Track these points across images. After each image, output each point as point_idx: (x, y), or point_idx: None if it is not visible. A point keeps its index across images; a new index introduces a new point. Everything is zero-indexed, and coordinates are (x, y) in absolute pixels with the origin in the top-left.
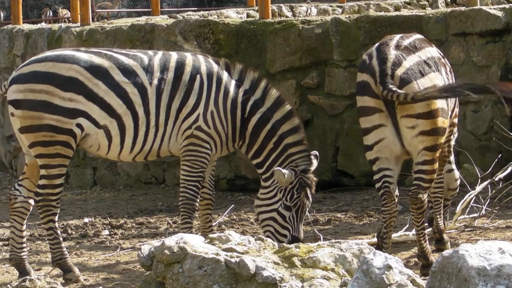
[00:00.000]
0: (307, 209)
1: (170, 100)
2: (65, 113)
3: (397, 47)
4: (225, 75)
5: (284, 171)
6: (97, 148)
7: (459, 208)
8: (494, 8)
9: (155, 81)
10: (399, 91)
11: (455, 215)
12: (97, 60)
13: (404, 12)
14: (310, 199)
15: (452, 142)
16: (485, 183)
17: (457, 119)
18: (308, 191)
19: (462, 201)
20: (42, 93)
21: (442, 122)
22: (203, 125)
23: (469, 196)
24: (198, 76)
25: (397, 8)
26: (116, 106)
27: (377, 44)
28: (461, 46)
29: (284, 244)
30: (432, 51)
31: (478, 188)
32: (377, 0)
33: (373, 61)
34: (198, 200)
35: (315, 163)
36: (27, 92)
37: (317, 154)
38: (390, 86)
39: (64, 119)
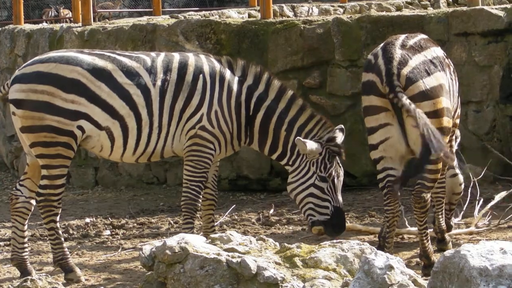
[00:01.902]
0: (342, 178)
1: (173, 100)
2: (67, 114)
3: (403, 46)
4: (227, 73)
5: (303, 140)
6: (99, 149)
7: (478, 213)
8: (496, 8)
9: (159, 82)
10: (404, 100)
11: (475, 219)
12: (100, 62)
13: (406, 12)
14: (341, 168)
15: (454, 143)
16: (504, 193)
17: (459, 120)
18: (338, 159)
19: (478, 206)
20: (44, 94)
21: (447, 122)
22: (207, 124)
23: (477, 200)
24: (201, 76)
25: (398, 8)
26: (119, 107)
27: (382, 44)
28: (463, 46)
29: (285, 244)
30: (437, 51)
31: (497, 197)
32: (378, 0)
33: (379, 60)
34: (200, 201)
35: (340, 136)
36: (29, 92)
37: (343, 127)
38: (397, 89)
39: (65, 120)
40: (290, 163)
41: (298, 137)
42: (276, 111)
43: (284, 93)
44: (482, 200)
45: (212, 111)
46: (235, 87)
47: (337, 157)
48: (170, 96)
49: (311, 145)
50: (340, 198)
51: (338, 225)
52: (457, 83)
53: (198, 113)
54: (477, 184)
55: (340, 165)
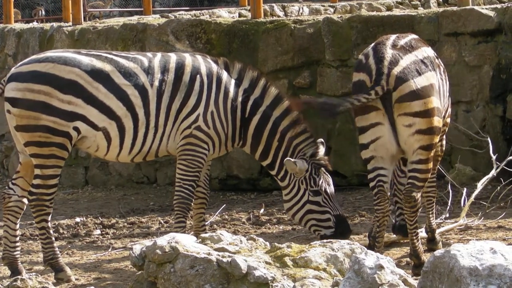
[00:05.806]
0: (332, 184)
1: (170, 101)
2: (63, 115)
3: (394, 46)
4: (224, 75)
5: (293, 159)
6: (95, 149)
7: (465, 205)
8: (486, 8)
9: (156, 83)
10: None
11: (462, 211)
12: (98, 63)
13: (396, 12)
14: (329, 177)
15: (444, 142)
16: (485, 178)
17: (450, 119)
18: (324, 170)
19: (463, 199)
20: (40, 94)
21: (438, 121)
22: (203, 125)
23: (466, 194)
24: (198, 76)
25: (389, 8)
26: (115, 108)
27: (373, 44)
28: (453, 46)
29: (275, 244)
30: (428, 51)
31: (480, 186)
32: (369, 0)
33: (369, 60)
34: (192, 200)
35: (322, 148)
36: (26, 91)
37: (323, 141)
38: (376, 88)
39: (61, 121)
40: (279, 178)
41: (288, 158)
42: (271, 118)
43: (280, 101)
44: (465, 190)
45: (208, 111)
46: (231, 89)
47: (323, 168)
48: (168, 96)
49: (301, 164)
50: (337, 204)
51: (345, 232)
52: (448, 83)
53: (194, 113)
54: (454, 182)
55: (327, 172)
